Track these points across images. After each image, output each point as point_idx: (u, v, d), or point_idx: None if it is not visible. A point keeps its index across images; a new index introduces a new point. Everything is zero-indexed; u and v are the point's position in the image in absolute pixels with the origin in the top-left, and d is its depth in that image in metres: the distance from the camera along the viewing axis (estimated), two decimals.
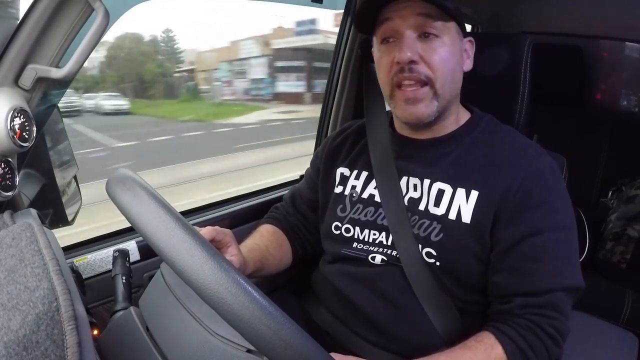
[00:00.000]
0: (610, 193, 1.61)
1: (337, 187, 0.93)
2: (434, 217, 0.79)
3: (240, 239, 0.87)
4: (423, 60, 0.77)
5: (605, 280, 1.44)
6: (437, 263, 0.78)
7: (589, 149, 1.60)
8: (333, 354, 0.69)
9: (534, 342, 0.71)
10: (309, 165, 1.08)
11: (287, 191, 1.11)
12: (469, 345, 0.71)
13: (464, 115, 0.88)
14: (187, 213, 1.21)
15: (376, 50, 0.84)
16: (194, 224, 0.80)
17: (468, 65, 0.85)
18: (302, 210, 1.03)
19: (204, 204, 1.29)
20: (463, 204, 0.78)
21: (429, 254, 0.78)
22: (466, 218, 0.77)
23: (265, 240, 0.94)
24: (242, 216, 1.25)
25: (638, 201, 1.49)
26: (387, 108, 0.97)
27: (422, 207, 0.81)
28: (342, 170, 0.95)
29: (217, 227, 0.75)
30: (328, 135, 1.37)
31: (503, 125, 0.89)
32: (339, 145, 0.99)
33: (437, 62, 0.77)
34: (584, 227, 1.33)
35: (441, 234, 0.78)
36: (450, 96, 0.81)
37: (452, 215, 0.78)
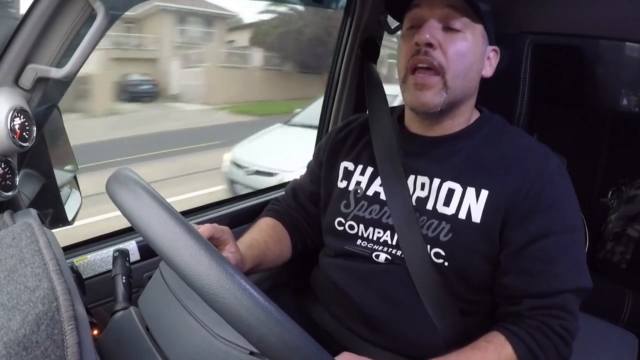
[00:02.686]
0: (610, 193, 1.61)
1: (340, 181, 0.93)
2: (443, 217, 0.79)
3: (239, 239, 0.87)
4: (441, 48, 0.77)
5: (605, 280, 1.43)
6: (446, 263, 0.78)
7: (589, 149, 1.60)
8: (345, 354, 0.69)
9: (544, 342, 0.71)
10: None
11: None
12: (479, 346, 0.71)
13: (474, 115, 0.88)
14: (187, 213, 1.21)
15: (401, 36, 0.85)
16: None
17: (488, 71, 0.85)
18: (303, 203, 1.01)
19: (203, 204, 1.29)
20: (473, 204, 0.78)
21: (437, 255, 0.78)
22: (476, 218, 0.77)
23: (265, 235, 0.93)
24: (241, 216, 1.25)
25: (638, 201, 1.48)
26: (389, 105, 0.97)
27: (429, 206, 0.81)
28: (346, 164, 0.94)
29: (215, 225, 0.74)
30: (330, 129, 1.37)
31: (511, 126, 0.89)
32: (343, 139, 0.98)
33: (453, 53, 0.77)
34: (584, 227, 1.32)
35: (450, 234, 0.78)
36: (461, 93, 0.81)
37: (462, 215, 0.78)
